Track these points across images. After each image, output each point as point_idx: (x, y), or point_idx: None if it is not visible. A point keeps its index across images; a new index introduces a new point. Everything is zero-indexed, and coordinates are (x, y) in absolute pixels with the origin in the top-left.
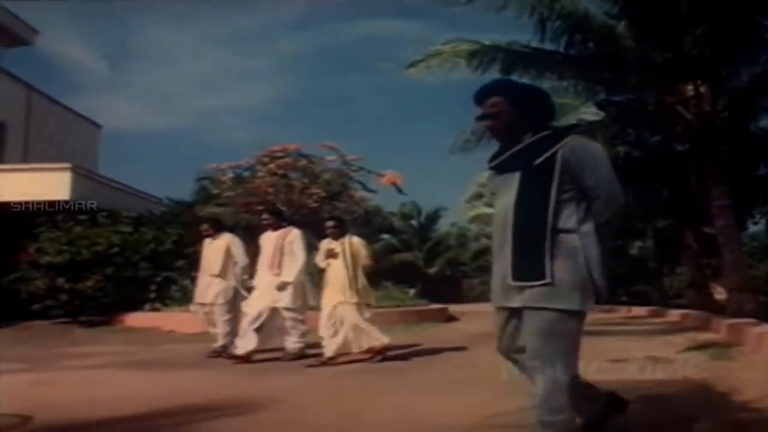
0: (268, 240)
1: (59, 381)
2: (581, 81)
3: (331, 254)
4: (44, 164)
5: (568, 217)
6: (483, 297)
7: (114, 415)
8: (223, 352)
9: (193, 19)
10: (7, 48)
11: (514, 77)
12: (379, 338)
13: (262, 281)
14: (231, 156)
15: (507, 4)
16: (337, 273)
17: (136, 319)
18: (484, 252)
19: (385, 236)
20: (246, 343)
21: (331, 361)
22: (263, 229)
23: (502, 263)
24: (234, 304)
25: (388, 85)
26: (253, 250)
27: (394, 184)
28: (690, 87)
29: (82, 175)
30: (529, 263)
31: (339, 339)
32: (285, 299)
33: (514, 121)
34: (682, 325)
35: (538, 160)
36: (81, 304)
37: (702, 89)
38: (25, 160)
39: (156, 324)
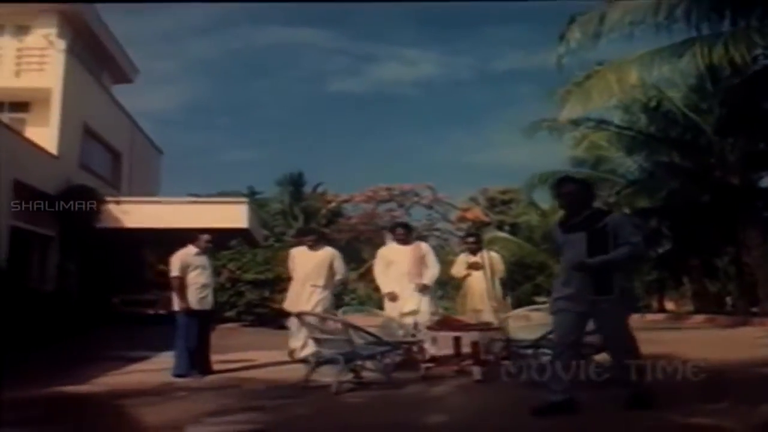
0: (402, 253)
1: None
2: (666, 157)
3: (475, 266)
4: (225, 198)
5: None
6: None
7: None
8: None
9: None
10: (114, 84)
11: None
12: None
13: (405, 290)
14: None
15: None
16: (479, 283)
17: None
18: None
19: None
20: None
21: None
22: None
23: (580, 285)
24: (329, 312)
25: (295, 93)
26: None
27: (475, 219)
28: None
29: (251, 206)
30: (606, 285)
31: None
32: (428, 306)
33: (580, 200)
34: (721, 323)
35: (599, 225)
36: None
37: None
38: (130, 189)
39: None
